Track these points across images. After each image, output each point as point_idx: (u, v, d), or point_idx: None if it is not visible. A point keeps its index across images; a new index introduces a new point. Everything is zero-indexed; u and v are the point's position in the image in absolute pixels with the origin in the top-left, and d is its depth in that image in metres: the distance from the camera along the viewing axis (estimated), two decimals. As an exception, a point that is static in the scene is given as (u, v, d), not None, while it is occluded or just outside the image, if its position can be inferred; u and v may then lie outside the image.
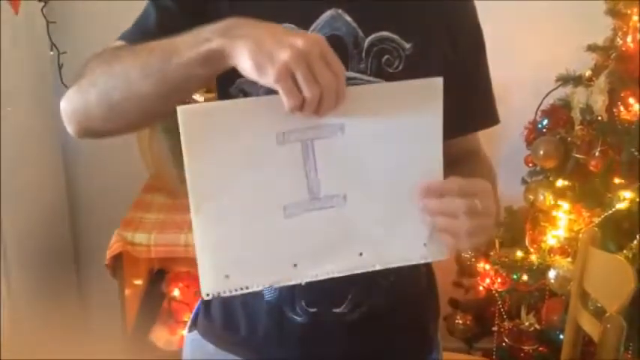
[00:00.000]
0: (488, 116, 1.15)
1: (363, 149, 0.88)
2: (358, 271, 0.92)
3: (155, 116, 0.96)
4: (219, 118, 0.84)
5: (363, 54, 0.98)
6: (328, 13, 0.97)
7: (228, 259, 0.88)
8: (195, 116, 0.83)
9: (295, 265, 0.89)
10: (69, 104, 0.95)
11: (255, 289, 0.90)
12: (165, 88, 0.86)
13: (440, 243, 0.93)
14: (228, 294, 0.89)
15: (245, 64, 0.78)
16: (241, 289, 0.89)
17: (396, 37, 0.98)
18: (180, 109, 0.82)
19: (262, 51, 0.77)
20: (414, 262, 0.94)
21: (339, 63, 0.80)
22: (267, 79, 0.77)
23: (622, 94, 2.02)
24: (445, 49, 1.03)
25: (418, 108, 0.88)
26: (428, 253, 0.94)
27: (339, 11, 0.97)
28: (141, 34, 0.95)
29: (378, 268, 0.93)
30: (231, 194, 0.86)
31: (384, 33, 0.98)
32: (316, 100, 0.78)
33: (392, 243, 0.92)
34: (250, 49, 0.78)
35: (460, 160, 1.07)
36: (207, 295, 0.88)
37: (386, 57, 0.98)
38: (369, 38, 0.98)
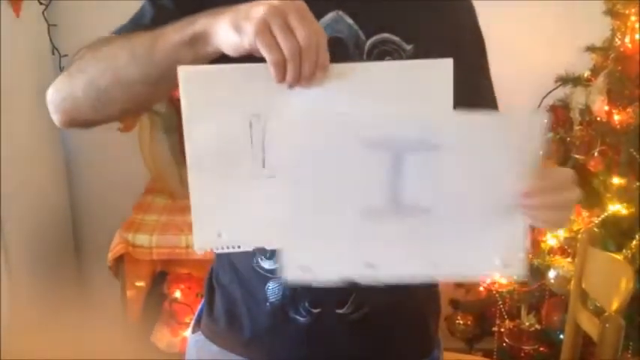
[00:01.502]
0: None
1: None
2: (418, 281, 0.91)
3: (142, 104, 0.97)
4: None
5: (365, 56, 0.98)
6: (330, 16, 0.97)
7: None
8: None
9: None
10: (56, 93, 0.96)
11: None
12: (152, 74, 0.86)
13: (518, 262, 0.91)
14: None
15: (226, 34, 0.79)
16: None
17: (396, 39, 0.99)
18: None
19: (240, 15, 0.78)
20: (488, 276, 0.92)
21: (317, 24, 0.79)
22: (247, 38, 0.77)
23: (621, 95, 2.03)
24: (446, 51, 1.03)
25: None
26: (504, 270, 0.93)
27: (341, 13, 0.97)
28: (134, 29, 0.95)
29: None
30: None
31: (385, 35, 0.98)
32: (296, 55, 0.77)
33: (466, 256, 0.91)
34: (229, 18, 0.79)
35: None
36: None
37: (387, 58, 0.98)
38: (371, 40, 0.98)
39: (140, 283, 2.30)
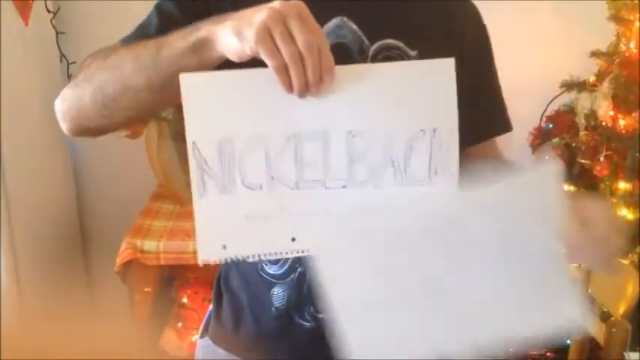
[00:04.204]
0: (500, 123, 1.14)
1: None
2: None
3: (149, 112, 0.97)
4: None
5: (369, 61, 0.98)
6: (334, 22, 0.97)
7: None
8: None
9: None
10: (63, 102, 0.97)
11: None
12: (157, 82, 0.87)
13: (584, 315, 0.88)
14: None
15: (228, 40, 0.79)
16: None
17: (401, 44, 0.99)
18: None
19: (242, 20, 0.79)
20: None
21: (318, 27, 0.79)
22: (249, 43, 0.77)
23: (626, 100, 2.03)
24: (450, 57, 1.02)
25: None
26: (574, 329, 0.92)
27: (345, 19, 0.97)
28: (140, 38, 0.95)
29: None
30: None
31: (389, 41, 0.98)
32: (297, 60, 0.77)
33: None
34: (232, 24, 0.79)
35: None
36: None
37: None
38: (375, 46, 0.98)
39: (148, 289, 2.30)
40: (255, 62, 0.80)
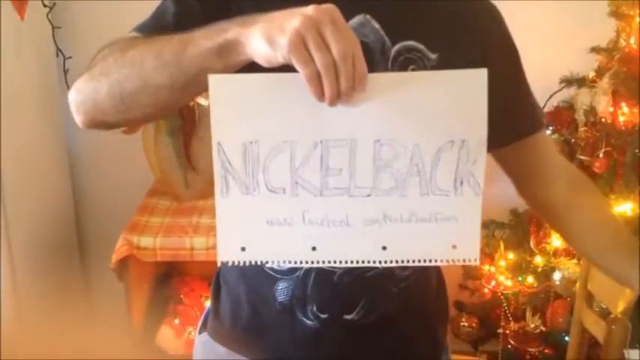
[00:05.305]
0: (533, 121, 1.13)
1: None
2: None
3: (166, 109, 0.95)
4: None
5: (389, 62, 0.96)
6: (357, 19, 0.95)
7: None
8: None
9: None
10: (78, 94, 0.94)
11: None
12: (180, 80, 0.85)
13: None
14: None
15: (259, 45, 0.77)
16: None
17: (422, 47, 0.97)
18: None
19: (274, 25, 0.76)
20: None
21: (353, 34, 0.77)
22: (281, 51, 0.75)
23: (625, 95, 2.03)
24: (473, 61, 0.95)
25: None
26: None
27: (368, 17, 0.96)
28: (157, 27, 0.93)
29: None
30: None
31: (411, 42, 0.97)
32: (331, 70, 0.75)
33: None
34: (263, 29, 0.77)
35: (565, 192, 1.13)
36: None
37: (411, 67, 0.96)
38: (396, 47, 0.96)
39: (144, 285, 2.30)
40: (282, 66, 0.79)
